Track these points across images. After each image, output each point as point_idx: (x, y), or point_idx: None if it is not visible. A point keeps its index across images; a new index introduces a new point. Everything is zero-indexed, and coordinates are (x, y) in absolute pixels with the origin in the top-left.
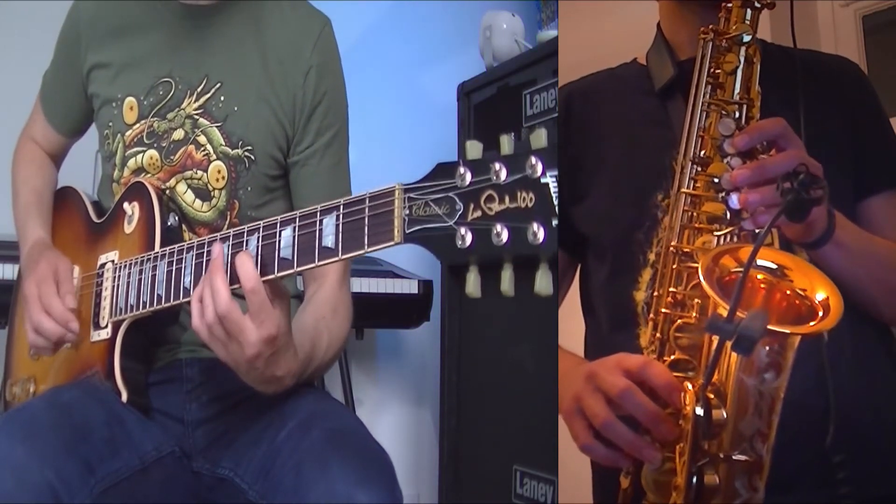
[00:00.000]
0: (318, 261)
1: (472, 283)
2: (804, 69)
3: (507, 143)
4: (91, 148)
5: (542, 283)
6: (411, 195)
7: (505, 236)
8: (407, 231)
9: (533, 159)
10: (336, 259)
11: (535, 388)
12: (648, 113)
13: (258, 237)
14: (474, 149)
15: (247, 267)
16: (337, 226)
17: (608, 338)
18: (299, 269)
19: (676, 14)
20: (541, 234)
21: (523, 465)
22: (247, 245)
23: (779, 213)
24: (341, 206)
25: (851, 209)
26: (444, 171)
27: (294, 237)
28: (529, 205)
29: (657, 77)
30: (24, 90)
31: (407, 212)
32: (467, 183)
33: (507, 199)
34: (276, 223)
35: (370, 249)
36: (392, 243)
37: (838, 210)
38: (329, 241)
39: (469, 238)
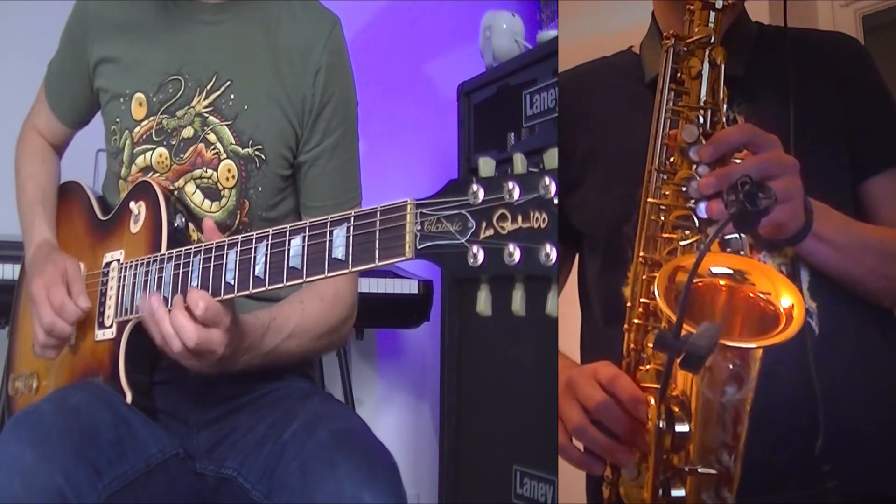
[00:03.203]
0: (329, 272)
1: (483, 302)
2: (799, 48)
3: (520, 162)
4: (91, 145)
5: (553, 304)
6: (423, 211)
7: (517, 256)
8: (419, 247)
9: (546, 179)
10: (346, 271)
11: (535, 389)
12: (639, 102)
13: (267, 245)
14: (487, 166)
15: (194, 295)
16: (347, 238)
17: (602, 332)
18: (308, 279)
19: (668, 6)
20: (553, 256)
21: (523, 465)
22: (255, 252)
23: (722, 225)
24: (352, 218)
25: (848, 191)
26: (456, 187)
27: (303, 247)
28: (542, 225)
29: (649, 67)
30: (24, 87)
31: (419, 227)
32: (480, 201)
33: (519, 218)
34: (286, 231)
35: (381, 263)
36: (403, 258)
37: (836, 193)
38: (339, 252)
39: (481, 256)
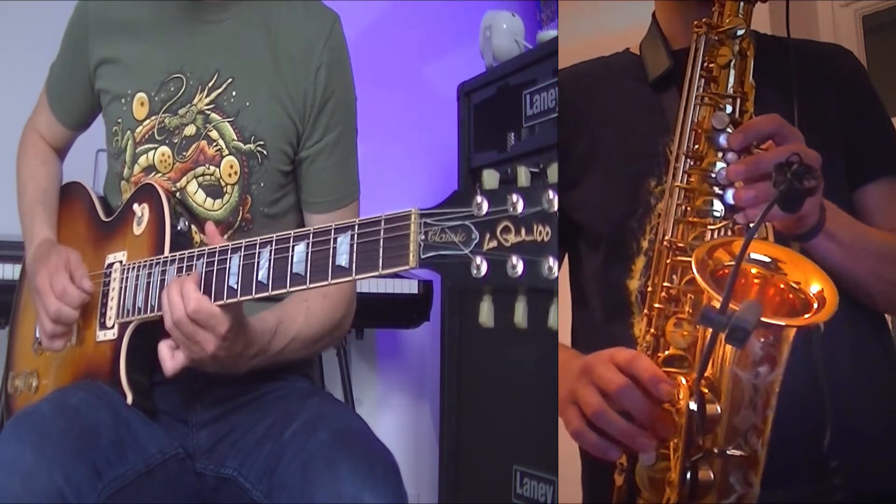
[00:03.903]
0: (332, 279)
1: (486, 313)
2: (798, 58)
3: (524, 175)
4: (92, 145)
5: (555, 317)
6: (427, 220)
7: (520, 269)
8: (422, 256)
9: (550, 193)
10: (349, 279)
11: (535, 388)
12: (641, 100)
13: (270, 250)
14: (491, 178)
15: (188, 289)
16: (351, 245)
17: (603, 327)
18: (311, 285)
19: (672, 6)
20: (555, 269)
21: (523, 465)
22: (258, 257)
23: (771, 203)
24: (356, 226)
25: (847, 198)
26: (460, 198)
27: (307, 253)
28: (545, 238)
29: (651, 66)
30: (25, 88)
31: (422, 237)
32: (484, 212)
33: (523, 231)
34: (290, 237)
35: (384, 272)
36: (407, 267)
37: (833, 199)
38: (343, 259)
39: (484, 268)
